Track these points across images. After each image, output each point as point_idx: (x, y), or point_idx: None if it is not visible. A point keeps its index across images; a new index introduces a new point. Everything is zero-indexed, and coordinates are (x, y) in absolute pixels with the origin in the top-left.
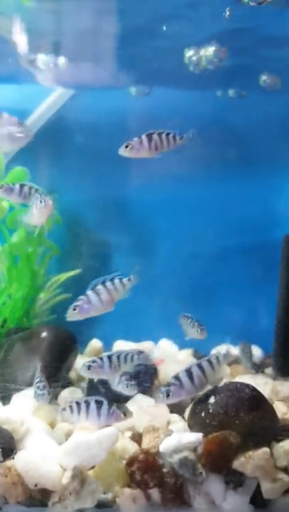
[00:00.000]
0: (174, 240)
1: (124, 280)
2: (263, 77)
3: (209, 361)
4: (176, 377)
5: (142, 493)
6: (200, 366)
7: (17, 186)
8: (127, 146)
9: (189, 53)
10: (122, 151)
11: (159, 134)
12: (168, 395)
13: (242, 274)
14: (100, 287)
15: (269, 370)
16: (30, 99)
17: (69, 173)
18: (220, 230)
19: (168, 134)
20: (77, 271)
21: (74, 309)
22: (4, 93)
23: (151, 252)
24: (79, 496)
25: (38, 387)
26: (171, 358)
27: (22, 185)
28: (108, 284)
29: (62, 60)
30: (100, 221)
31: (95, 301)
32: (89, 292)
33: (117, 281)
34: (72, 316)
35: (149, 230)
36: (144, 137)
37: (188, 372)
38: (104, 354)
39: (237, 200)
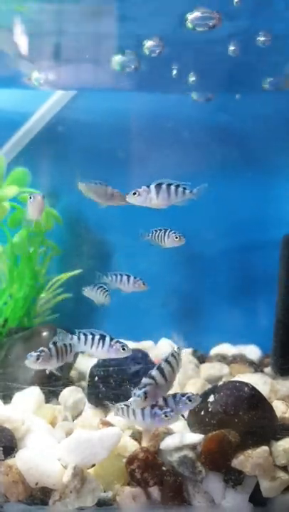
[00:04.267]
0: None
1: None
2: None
3: (173, 355)
4: (151, 377)
5: (142, 491)
6: (167, 361)
7: None
8: (134, 193)
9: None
10: (129, 198)
11: (168, 186)
12: (146, 397)
13: (241, 273)
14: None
15: (268, 370)
16: (30, 100)
17: (69, 173)
18: (220, 230)
19: (177, 186)
20: (77, 271)
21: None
22: (5, 95)
23: (151, 251)
24: (79, 495)
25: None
26: None
27: None
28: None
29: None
30: (100, 221)
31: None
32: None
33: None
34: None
35: (150, 229)
36: (152, 187)
37: (160, 369)
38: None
39: (236, 200)
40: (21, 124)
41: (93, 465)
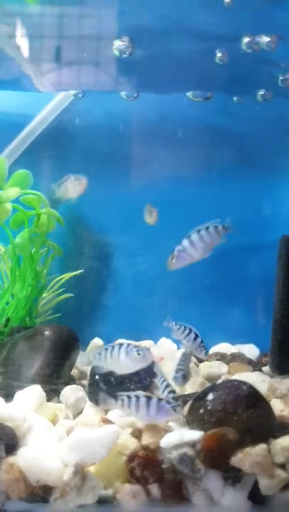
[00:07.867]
0: (174, 240)
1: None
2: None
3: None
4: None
5: (142, 488)
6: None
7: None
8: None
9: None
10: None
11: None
12: None
13: (240, 274)
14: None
15: (266, 368)
16: (32, 102)
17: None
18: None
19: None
20: (79, 271)
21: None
22: (8, 98)
23: (151, 252)
24: (80, 492)
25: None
26: (170, 355)
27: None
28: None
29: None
30: (101, 222)
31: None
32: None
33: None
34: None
35: (149, 230)
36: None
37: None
38: None
39: (235, 200)
40: (23, 125)
41: (93, 464)
